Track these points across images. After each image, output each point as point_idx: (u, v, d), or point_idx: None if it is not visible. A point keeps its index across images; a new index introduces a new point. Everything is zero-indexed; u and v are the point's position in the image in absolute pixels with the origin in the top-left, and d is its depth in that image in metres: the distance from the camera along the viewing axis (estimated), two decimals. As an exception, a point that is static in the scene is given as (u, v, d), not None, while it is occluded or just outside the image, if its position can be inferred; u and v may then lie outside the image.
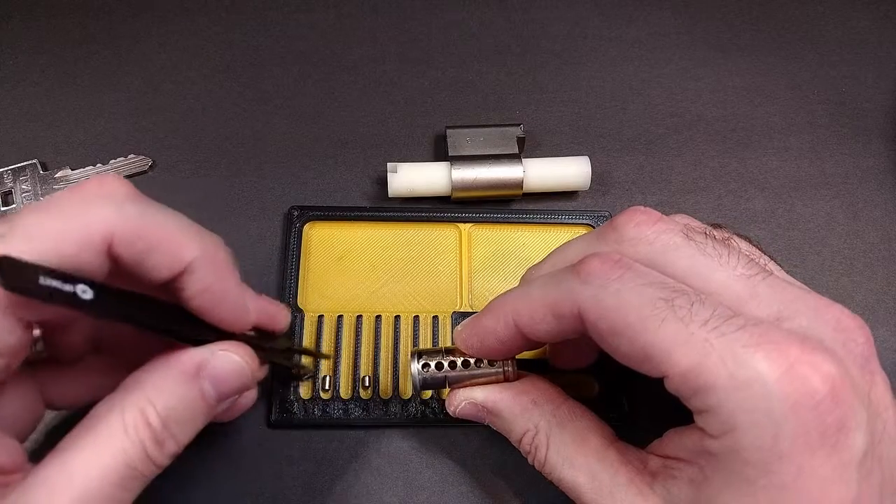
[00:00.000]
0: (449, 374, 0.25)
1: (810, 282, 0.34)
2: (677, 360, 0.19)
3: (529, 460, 0.25)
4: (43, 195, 0.35)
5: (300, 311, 0.32)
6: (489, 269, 0.34)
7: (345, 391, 0.30)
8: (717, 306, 0.19)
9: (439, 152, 0.37)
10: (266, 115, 0.38)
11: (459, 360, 0.25)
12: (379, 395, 0.30)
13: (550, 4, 0.43)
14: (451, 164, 0.34)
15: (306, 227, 0.34)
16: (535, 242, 0.34)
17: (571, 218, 0.35)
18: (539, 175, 0.35)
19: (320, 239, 0.34)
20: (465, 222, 0.35)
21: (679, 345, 0.18)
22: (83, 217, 0.20)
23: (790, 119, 0.39)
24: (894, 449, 0.19)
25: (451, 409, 0.26)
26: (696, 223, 0.24)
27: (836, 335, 0.20)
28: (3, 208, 0.35)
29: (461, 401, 0.25)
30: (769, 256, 0.25)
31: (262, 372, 0.25)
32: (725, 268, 0.21)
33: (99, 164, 0.36)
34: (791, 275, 0.24)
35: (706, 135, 0.39)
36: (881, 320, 0.34)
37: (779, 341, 0.18)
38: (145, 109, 0.38)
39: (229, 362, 0.23)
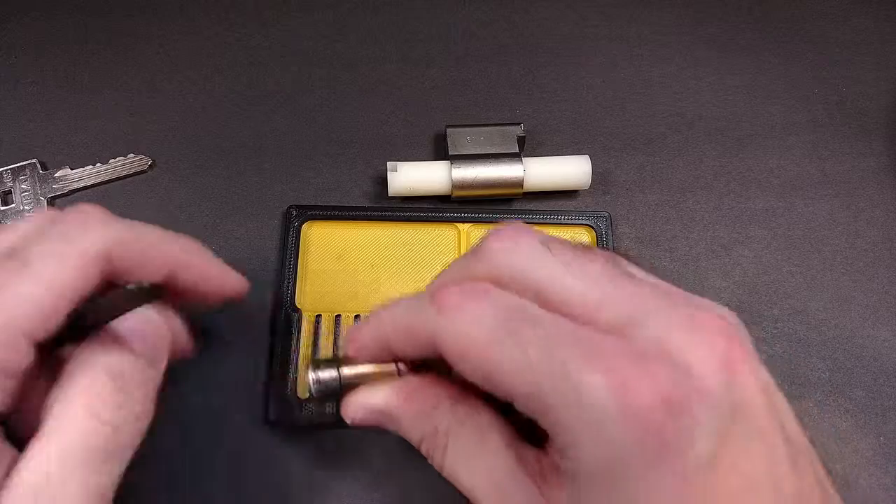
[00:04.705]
0: (343, 374, 0.24)
1: (811, 281, 0.34)
2: (518, 385, 0.19)
3: (430, 462, 0.23)
4: (42, 195, 0.35)
5: (297, 310, 0.32)
6: (489, 269, 0.34)
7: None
8: (557, 324, 0.19)
9: (439, 151, 0.37)
10: (266, 114, 0.38)
11: (350, 367, 0.24)
12: (378, 395, 0.30)
13: (551, 4, 0.43)
14: (452, 163, 0.34)
15: (305, 226, 0.34)
16: (534, 242, 0.34)
17: (571, 218, 0.35)
18: (539, 174, 0.35)
19: (319, 238, 0.34)
20: (464, 222, 0.34)
21: (518, 371, 0.19)
22: (81, 243, 0.21)
23: (790, 119, 0.39)
24: (755, 447, 0.18)
25: (347, 418, 0.25)
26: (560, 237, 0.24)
27: (688, 336, 0.19)
28: (2, 208, 0.35)
29: (357, 408, 0.24)
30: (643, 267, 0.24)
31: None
32: (579, 274, 0.20)
33: (98, 164, 0.36)
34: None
35: (706, 134, 0.39)
36: (882, 320, 0.34)
37: (613, 356, 0.18)
38: (145, 109, 0.38)
39: (140, 319, 0.23)
